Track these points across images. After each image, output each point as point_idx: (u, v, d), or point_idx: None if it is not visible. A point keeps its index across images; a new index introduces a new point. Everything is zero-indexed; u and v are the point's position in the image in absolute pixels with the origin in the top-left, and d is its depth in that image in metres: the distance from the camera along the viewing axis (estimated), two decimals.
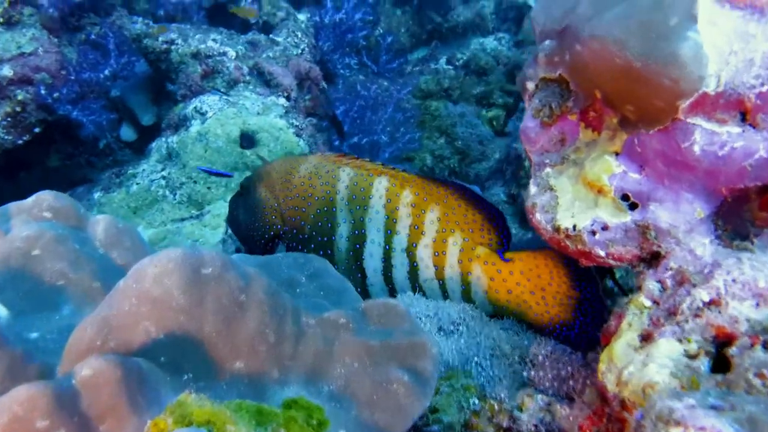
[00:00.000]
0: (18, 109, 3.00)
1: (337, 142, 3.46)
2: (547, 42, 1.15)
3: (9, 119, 3.02)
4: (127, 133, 4.05)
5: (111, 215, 1.02)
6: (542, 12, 1.16)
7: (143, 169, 3.18)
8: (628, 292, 1.33)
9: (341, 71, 4.42)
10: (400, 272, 1.62)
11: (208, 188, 2.90)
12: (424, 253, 1.59)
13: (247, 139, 3.10)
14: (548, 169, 1.21)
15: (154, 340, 0.77)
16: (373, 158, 3.68)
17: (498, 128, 5.49)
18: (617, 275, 1.47)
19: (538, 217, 1.21)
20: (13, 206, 0.97)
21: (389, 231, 1.62)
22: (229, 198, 2.92)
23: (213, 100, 3.21)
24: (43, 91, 2.93)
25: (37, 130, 3.14)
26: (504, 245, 1.59)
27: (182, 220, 2.82)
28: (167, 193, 2.94)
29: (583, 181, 1.14)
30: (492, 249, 1.57)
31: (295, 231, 1.71)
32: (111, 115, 3.09)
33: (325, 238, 1.67)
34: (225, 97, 3.27)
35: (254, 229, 1.79)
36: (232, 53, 3.66)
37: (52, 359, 0.78)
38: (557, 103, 1.16)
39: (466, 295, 1.57)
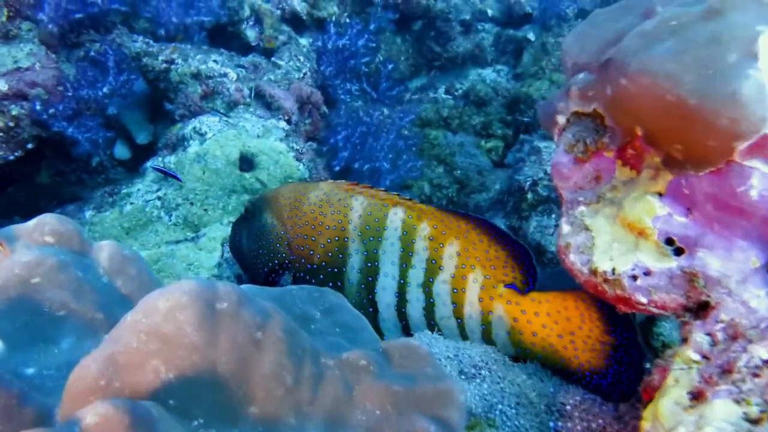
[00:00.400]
0: (11, 124, 2.93)
1: (337, 168, 3.42)
2: (581, 75, 1.11)
3: (1, 134, 2.94)
4: (121, 151, 3.99)
5: (113, 241, 0.96)
6: (576, 44, 1.13)
7: (138, 189, 3.11)
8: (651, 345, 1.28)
9: (342, 96, 4.41)
10: (415, 308, 1.54)
11: (205, 210, 2.84)
12: (442, 290, 1.52)
13: (247, 162, 3.05)
14: (582, 208, 1.16)
15: (163, 382, 0.70)
16: (374, 185, 3.65)
17: (496, 159, 5.50)
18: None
19: (572, 258, 1.15)
20: (14, 229, 0.91)
21: (404, 264, 1.54)
22: (226, 221, 2.86)
23: (212, 121, 3.17)
24: (38, 107, 2.86)
25: (30, 146, 3.06)
26: (529, 284, 1.51)
27: (177, 242, 2.74)
28: (162, 214, 2.87)
29: (622, 222, 1.09)
30: (516, 287, 1.50)
31: (303, 260, 1.64)
32: (108, 133, 3.03)
33: (336, 269, 1.59)
34: (225, 118, 3.23)
35: (258, 256, 1.71)
36: (233, 75, 3.64)
37: (50, 399, 0.71)
38: (593, 138, 1.12)
39: (487, 336, 1.49)
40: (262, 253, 1.70)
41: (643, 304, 1.06)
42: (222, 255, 2.71)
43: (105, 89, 2.96)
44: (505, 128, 5.62)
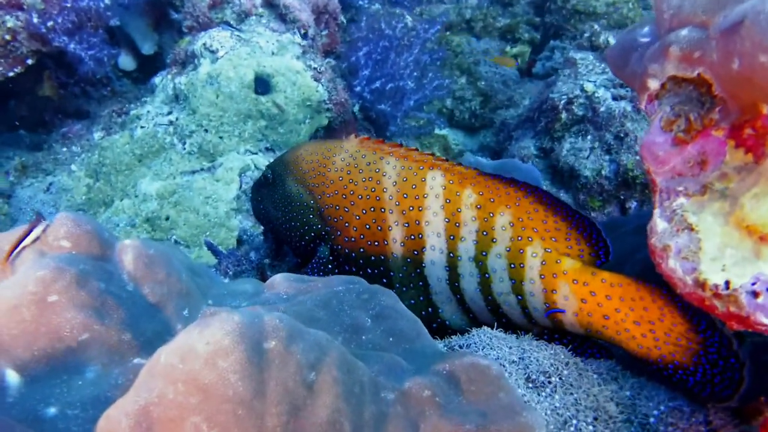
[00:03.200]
0: (8, 37, 2.70)
1: (357, 88, 3.18)
2: (684, 32, 0.89)
3: None
4: (126, 61, 3.75)
5: (138, 240, 0.83)
6: None
7: (147, 111, 2.92)
8: None
9: (360, 2, 4.05)
10: (469, 283, 1.41)
11: (220, 138, 2.67)
12: (497, 264, 1.37)
13: (262, 84, 2.83)
14: (682, 200, 0.96)
15: None
16: (396, 105, 3.42)
17: (522, 66, 5.16)
18: None
19: (672, 265, 0.97)
20: (22, 231, 0.78)
21: (452, 237, 1.40)
22: (242, 149, 2.70)
23: (224, 36, 2.91)
24: (35, 19, 2.62)
25: (30, 61, 2.85)
26: (601, 258, 1.35)
27: (192, 172, 2.61)
28: (175, 141, 2.71)
29: (737, 223, 0.90)
30: (583, 263, 1.35)
31: (339, 233, 1.49)
32: (112, 49, 2.80)
33: (377, 243, 1.45)
34: (237, 33, 2.97)
35: (291, 229, 1.56)
36: None
37: None
38: (697, 113, 0.91)
39: (552, 315, 1.37)
40: (294, 226, 1.55)
41: (765, 325, 0.90)
42: (240, 187, 2.59)
43: (107, 0, 2.69)
44: (533, 31, 5.23)
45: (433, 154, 1.48)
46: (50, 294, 0.69)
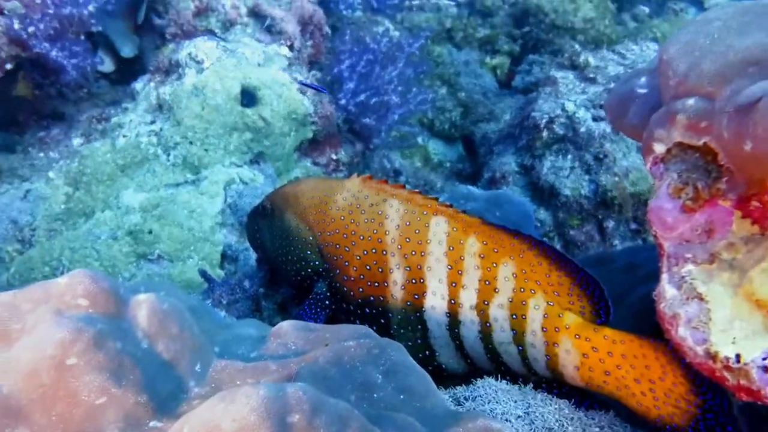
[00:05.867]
0: None
1: (342, 101, 3.19)
2: (691, 101, 0.92)
3: None
4: (105, 63, 3.68)
5: (153, 293, 0.83)
6: (684, 59, 0.93)
7: (130, 120, 2.88)
8: None
9: (344, 11, 4.05)
10: (470, 330, 1.43)
11: (206, 150, 2.65)
12: (499, 314, 1.40)
13: (248, 96, 2.82)
14: (691, 267, 1.00)
15: None
16: (381, 119, 3.43)
17: (501, 77, 5.23)
18: None
19: (683, 333, 0.99)
20: (39, 288, 0.77)
21: (454, 284, 1.41)
22: (227, 162, 2.69)
23: (209, 46, 2.89)
24: (16, 26, 2.56)
25: (8, 66, 2.78)
26: (601, 317, 1.37)
27: (177, 185, 2.58)
28: (159, 152, 2.68)
29: (746, 296, 0.94)
30: (585, 319, 1.37)
31: (338, 271, 1.50)
32: (95, 58, 2.75)
33: (376, 284, 1.47)
34: (222, 43, 2.95)
35: (288, 262, 1.56)
36: None
37: None
38: (705, 183, 0.95)
39: (553, 366, 1.38)
40: (291, 260, 1.56)
41: None
42: (225, 200, 2.57)
43: (90, 6, 2.64)
44: (512, 43, 5.31)
45: (436, 199, 1.50)
46: (69, 357, 0.69)
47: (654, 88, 1.08)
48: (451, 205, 1.47)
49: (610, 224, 3.04)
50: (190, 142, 2.64)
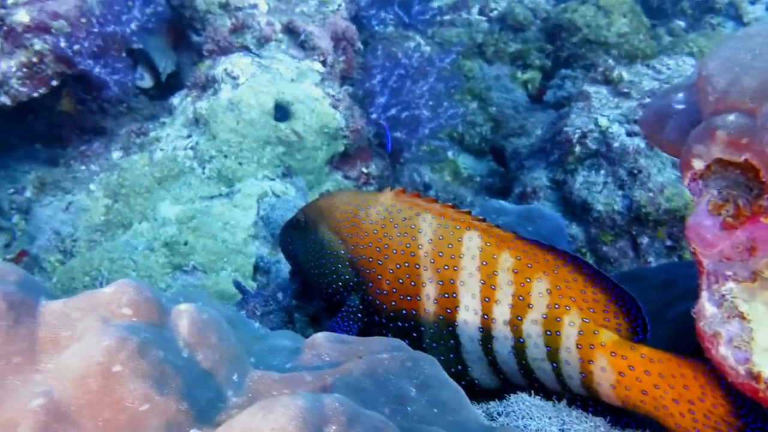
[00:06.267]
0: (35, 59, 2.75)
1: (374, 115, 3.23)
2: (731, 117, 0.91)
3: (25, 70, 2.77)
4: (144, 78, 3.80)
5: (192, 303, 0.85)
6: (724, 75, 0.92)
7: (167, 134, 2.96)
8: None
9: (376, 27, 4.10)
10: (502, 346, 1.42)
11: (239, 164, 2.71)
12: (532, 330, 1.39)
13: (281, 110, 2.87)
14: (731, 285, 0.98)
15: None
16: (411, 133, 3.46)
17: (532, 92, 5.21)
18: None
19: (723, 353, 0.97)
20: (86, 297, 0.80)
21: (487, 299, 1.41)
22: (260, 175, 2.74)
23: (245, 62, 2.96)
24: (62, 44, 2.67)
25: (54, 82, 2.90)
26: (638, 334, 1.34)
27: (211, 197, 2.64)
28: (195, 165, 2.74)
29: None
30: (621, 337, 1.35)
31: (371, 284, 1.52)
32: (136, 74, 2.84)
33: (409, 297, 1.47)
34: (257, 59, 3.01)
35: (320, 275, 1.59)
36: (263, 5, 3.36)
37: None
38: (746, 200, 0.93)
39: (587, 384, 1.36)
40: (324, 273, 1.58)
41: None
42: (257, 213, 2.62)
43: (132, 25, 2.74)
44: (544, 58, 5.28)
45: (469, 212, 1.50)
46: (115, 364, 0.71)
47: (692, 104, 1.07)
48: (484, 220, 1.46)
49: (645, 240, 2.99)
50: (225, 156, 2.70)
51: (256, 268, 2.52)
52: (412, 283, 1.47)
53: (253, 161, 2.73)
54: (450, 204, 1.54)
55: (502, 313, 1.41)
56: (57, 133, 3.59)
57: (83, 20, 2.76)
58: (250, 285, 2.46)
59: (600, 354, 1.33)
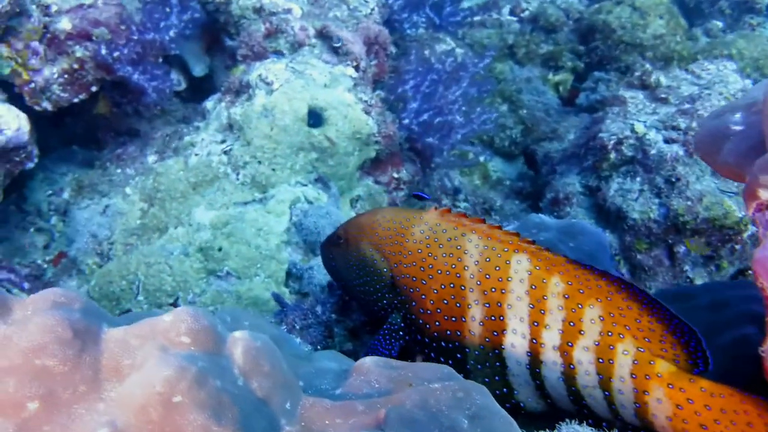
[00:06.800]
0: (76, 66, 2.81)
1: (405, 120, 3.22)
2: None
3: (66, 76, 2.83)
4: (179, 84, 3.85)
5: (241, 323, 0.86)
6: None
7: (202, 139, 3.00)
8: None
9: (408, 31, 4.09)
10: (552, 371, 1.40)
11: (273, 170, 2.73)
12: (584, 357, 1.36)
13: (315, 116, 2.88)
14: None
15: None
16: (443, 138, 3.44)
17: (564, 94, 5.15)
18: None
19: None
20: (146, 325, 0.81)
21: (536, 323, 1.39)
22: (293, 181, 2.75)
23: (279, 68, 2.97)
24: (103, 51, 2.72)
25: (94, 88, 2.96)
26: (699, 366, 1.30)
27: (245, 203, 2.66)
28: (229, 170, 2.77)
29: None
30: (679, 368, 1.31)
31: (414, 304, 1.51)
32: (173, 81, 2.88)
33: (454, 318, 1.47)
34: (291, 65, 3.03)
35: (364, 293, 1.59)
36: (297, 11, 3.37)
37: None
38: None
39: (642, 415, 1.34)
40: (368, 290, 1.58)
41: None
42: (290, 219, 2.63)
43: (171, 32, 2.78)
44: (576, 59, 5.21)
45: (518, 234, 1.48)
46: (175, 395, 0.72)
47: (751, 126, 1.04)
48: (533, 242, 1.44)
49: (682, 249, 2.92)
50: (259, 162, 2.73)
51: (289, 274, 2.54)
52: (457, 305, 1.46)
53: (287, 167, 2.74)
54: (497, 225, 1.52)
55: (551, 338, 1.39)
56: (93, 135, 3.66)
57: (123, 27, 2.81)
58: (282, 291, 2.47)
59: (656, 385, 1.29)
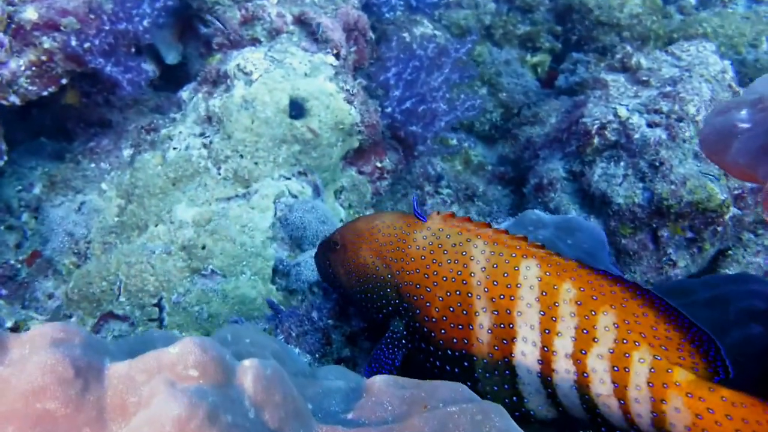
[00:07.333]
0: (44, 58, 2.67)
1: (388, 109, 3.16)
2: None
3: (33, 68, 2.70)
4: (154, 73, 3.71)
5: (255, 360, 0.81)
6: None
7: (180, 131, 2.90)
8: None
9: (386, 14, 4.00)
10: (564, 380, 1.37)
11: (255, 163, 2.66)
12: (598, 365, 1.34)
13: (296, 107, 2.81)
14: None
15: None
16: (427, 126, 3.40)
17: (542, 75, 5.13)
18: None
19: None
20: (151, 358, 0.76)
21: (547, 330, 1.36)
22: (276, 175, 2.69)
23: (257, 57, 2.88)
24: (73, 42, 2.59)
25: (64, 81, 2.82)
26: (719, 374, 1.27)
27: (228, 199, 2.59)
28: (210, 165, 2.69)
29: None
30: (698, 376, 1.29)
31: (419, 311, 1.47)
32: (149, 72, 2.77)
33: (461, 326, 1.43)
34: (270, 54, 2.94)
35: (365, 300, 1.54)
36: None
37: None
38: None
39: (659, 424, 1.32)
40: (369, 297, 1.53)
41: None
42: (275, 214, 2.58)
43: (145, 22, 2.66)
44: (554, 40, 5.19)
45: (525, 239, 1.45)
46: None
47: (759, 124, 1.02)
48: (542, 247, 1.41)
49: (665, 234, 2.95)
50: (241, 156, 2.65)
51: (275, 271, 2.49)
52: (464, 312, 1.43)
53: (269, 161, 2.67)
54: (503, 230, 1.48)
55: (563, 345, 1.37)
56: (62, 126, 3.52)
57: (92, 17, 2.68)
58: (270, 288, 2.42)
59: (674, 394, 1.28)
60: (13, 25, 2.58)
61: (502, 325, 1.40)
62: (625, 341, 1.33)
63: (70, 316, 2.41)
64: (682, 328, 1.31)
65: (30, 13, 2.59)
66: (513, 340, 1.40)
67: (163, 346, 0.91)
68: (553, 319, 1.36)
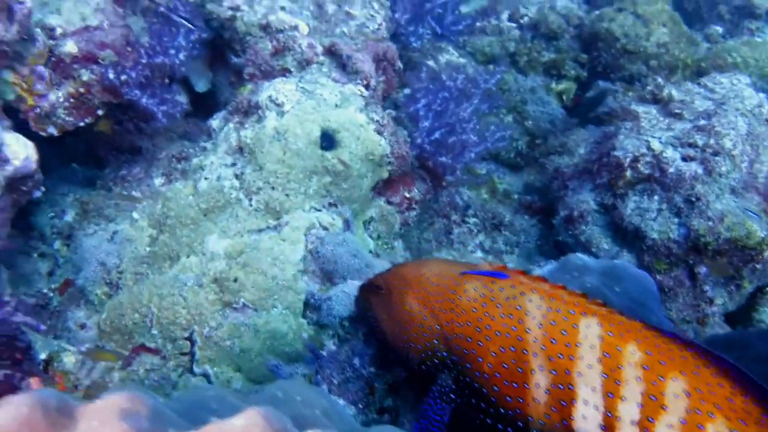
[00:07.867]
0: (82, 90, 2.72)
1: (418, 140, 3.16)
2: None
3: (72, 100, 2.75)
4: (185, 102, 3.76)
5: (315, 429, 0.79)
6: None
7: (211, 162, 2.92)
8: None
9: (414, 44, 4.03)
10: None
11: (287, 195, 2.66)
12: None
13: (327, 138, 2.82)
14: None
15: None
16: (457, 157, 3.39)
17: (567, 103, 5.11)
18: None
19: None
20: (215, 430, 0.74)
21: (610, 394, 1.31)
22: (307, 207, 2.69)
23: (289, 89, 2.90)
24: (110, 74, 2.64)
25: (100, 112, 2.87)
26: None
27: (259, 231, 2.59)
28: (242, 196, 2.70)
29: None
30: None
31: (469, 366, 1.44)
32: (183, 105, 2.81)
33: (515, 384, 1.39)
34: (301, 85, 2.96)
35: (410, 349, 1.51)
36: (303, 27, 3.30)
37: None
38: None
39: None
40: (415, 347, 1.50)
41: None
42: (306, 247, 2.57)
43: (181, 55, 2.70)
44: (579, 68, 5.17)
45: (585, 295, 1.40)
46: None
47: None
48: (604, 304, 1.37)
49: (703, 270, 2.88)
50: (272, 187, 2.65)
51: (306, 305, 2.47)
52: (519, 369, 1.39)
53: (300, 192, 2.68)
54: (561, 285, 1.44)
55: (629, 411, 1.31)
56: (93, 152, 3.57)
57: (130, 50, 2.73)
58: (300, 323, 2.40)
59: None
60: (54, 58, 2.63)
61: (560, 386, 1.35)
62: (698, 411, 1.26)
63: (104, 348, 2.41)
64: (762, 401, 1.24)
65: (70, 47, 2.65)
66: (572, 402, 1.34)
67: (217, 407, 0.90)
68: (616, 383, 1.31)
